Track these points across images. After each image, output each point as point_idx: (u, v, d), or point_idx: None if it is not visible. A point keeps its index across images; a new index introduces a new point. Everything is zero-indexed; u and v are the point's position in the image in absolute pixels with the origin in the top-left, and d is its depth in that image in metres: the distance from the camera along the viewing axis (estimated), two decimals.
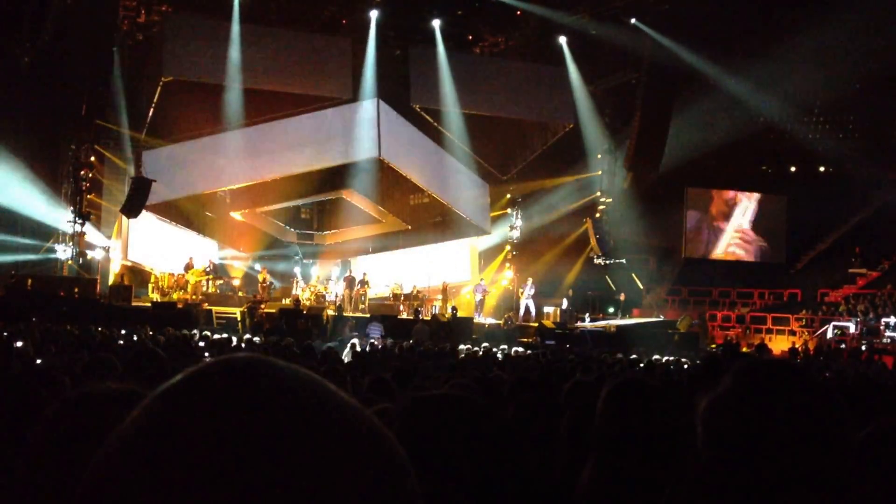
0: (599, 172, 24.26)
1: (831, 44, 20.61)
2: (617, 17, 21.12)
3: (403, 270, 23.04)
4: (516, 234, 24.16)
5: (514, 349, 14.68)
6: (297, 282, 21.58)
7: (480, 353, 12.75)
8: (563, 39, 22.51)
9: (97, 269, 20.25)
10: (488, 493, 1.16)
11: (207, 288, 20.76)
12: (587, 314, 22.82)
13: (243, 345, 11.92)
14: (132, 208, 19.03)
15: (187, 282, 20.19)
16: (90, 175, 20.27)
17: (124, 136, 20.74)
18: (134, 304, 18.97)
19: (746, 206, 27.16)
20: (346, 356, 11.24)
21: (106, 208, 21.02)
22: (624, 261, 23.69)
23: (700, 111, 23.08)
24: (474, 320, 20.86)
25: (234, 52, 19.96)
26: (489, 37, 23.46)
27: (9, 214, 18.46)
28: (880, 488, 1.51)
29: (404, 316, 20.65)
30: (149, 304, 18.83)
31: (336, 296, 21.30)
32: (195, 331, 13.74)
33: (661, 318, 23.24)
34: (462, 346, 14.03)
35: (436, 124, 22.47)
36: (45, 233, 19.60)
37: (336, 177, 21.81)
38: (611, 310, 23.48)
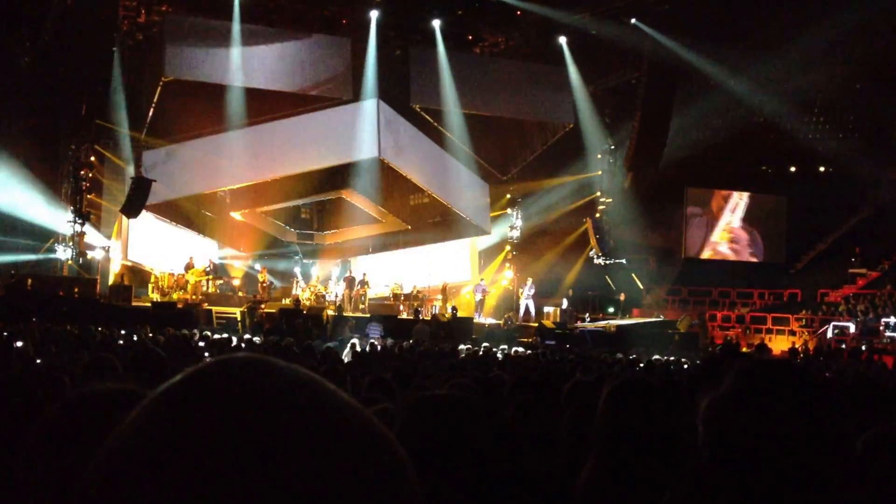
0: (599, 172, 24.25)
1: (831, 43, 20.60)
2: (617, 17, 21.11)
3: (403, 270, 23.05)
4: (516, 234, 24.16)
5: (513, 349, 14.68)
6: (297, 282, 21.59)
7: (480, 352, 12.75)
8: (563, 39, 22.51)
9: (97, 269, 20.25)
10: (489, 492, 1.16)
11: (207, 288, 20.77)
12: (587, 314, 22.82)
13: (243, 345, 11.91)
14: (132, 208, 19.04)
15: (187, 282, 20.19)
16: (90, 175, 20.28)
17: (124, 136, 20.73)
18: (134, 304, 18.97)
19: (737, 202, 27.12)
20: (345, 356, 11.24)
21: (106, 208, 21.01)
22: (624, 261, 23.69)
23: (700, 111, 23.10)
24: (474, 320, 20.87)
25: (234, 52, 19.97)
26: (489, 37, 23.46)
27: (9, 214, 18.46)
28: (881, 489, 1.51)
29: (404, 316, 20.65)
30: (149, 304, 18.83)
31: (336, 296, 21.31)
32: (195, 331, 13.73)
33: (661, 318, 23.24)
34: (462, 346, 14.03)
35: (436, 124, 22.47)
36: (45, 234, 19.59)
37: (336, 177, 21.81)
38: (611, 310, 23.50)
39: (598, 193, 24.37)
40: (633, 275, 23.92)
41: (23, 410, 1.77)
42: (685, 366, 11.49)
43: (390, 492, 0.58)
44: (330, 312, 19.35)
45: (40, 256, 19.67)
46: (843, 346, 20.99)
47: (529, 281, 22.64)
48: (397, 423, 1.20)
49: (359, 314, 20.25)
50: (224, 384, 0.57)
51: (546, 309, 22.47)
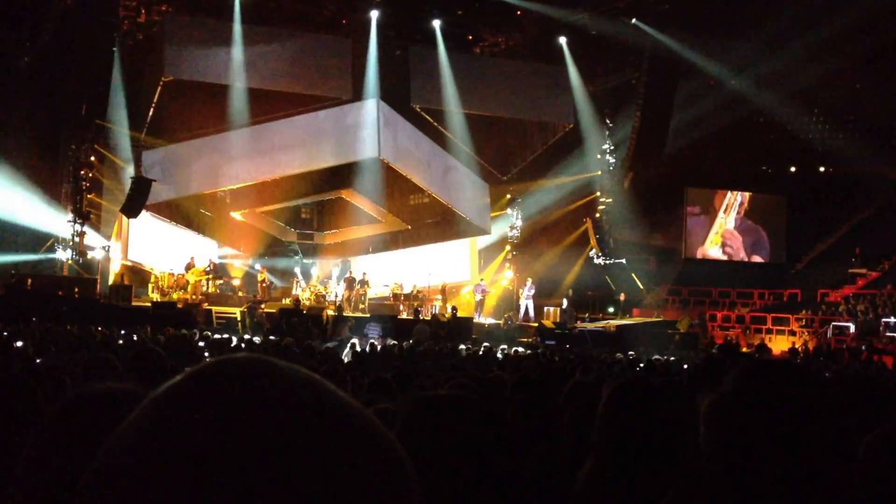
0: (599, 172, 24.25)
1: (831, 43, 20.61)
2: (617, 17, 21.12)
3: (403, 270, 23.05)
4: (516, 233, 24.16)
5: (513, 349, 14.68)
6: (297, 282, 21.60)
7: (481, 352, 12.75)
8: (563, 39, 22.52)
9: (97, 269, 20.25)
10: (489, 492, 1.16)
11: (207, 288, 20.76)
12: (587, 314, 22.82)
13: (243, 345, 11.92)
14: (132, 208, 19.04)
15: (187, 282, 20.20)
16: (90, 175, 20.29)
17: (124, 136, 20.73)
18: (134, 304, 18.96)
19: (731, 203, 27.05)
20: (345, 356, 11.24)
21: (106, 208, 21.01)
22: (624, 261, 23.70)
23: (700, 111, 23.09)
24: (474, 320, 20.88)
25: (235, 52, 19.98)
26: (489, 37, 23.47)
27: (8, 213, 18.45)
28: (883, 490, 1.51)
29: (404, 316, 20.66)
30: (149, 304, 18.83)
31: (336, 296, 21.31)
32: (195, 331, 13.73)
33: (661, 318, 23.24)
34: (462, 346, 14.04)
35: (436, 124, 22.48)
36: (45, 234, 19.59)
37: (336, 177, 21.80)
38: (611, 310, 23.49)
39: (598, 193, 24.37)
40: (633, 275, 23.93)
41: (23, 410, 1.77)
42: (685, 366, 11.49)
43: (391, 492, 0.58)
44: (330, 312, 19.36)
45: (40, 256, 19.67)
46: (844, 346, 20.98)
47: (529, 281, 22.65)
48: (397, 424, 1.20)
49: (359, 314, 20.26)
50: (224, 384, 0.57)
51: (546, 309, 22.48)
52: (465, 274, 24.29)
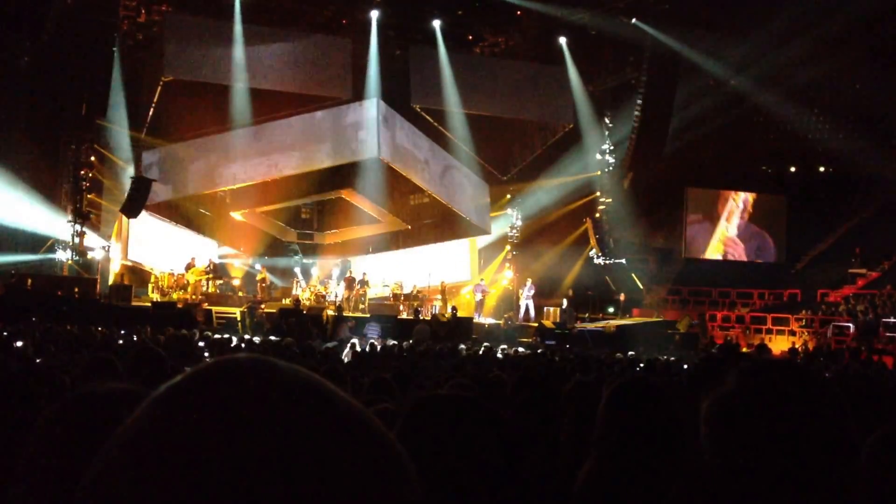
0: (599, 172, 24.26)
1: (832, 42, 20.61)
2: (617, 17, 21.12)
3: (403, 270, 23.05)
4: (516, 233, 24.16)
5: (514, 349, 14.69)
6: (297, 282, 21.60)
7: (481, 352, 12.76)
8: (563, 39, 22.52)
9: (97, 269, 20.25)
10: (489, 492, 1.16)
11: (207, 288, 20.76)
12: (587, 314, 22.82)
13: (243, 345, 11.92)
14: (132, 208, 19.04)
15: (187, 282, 20.20)
16: (90, 175, 20.30)
17: (124, 136, 20.74)
18: (134, 304, 18.96)
19: (732, 209, 27.02)
20: (345, 356, 11.25)
21: (106, 208, 21.02)
22: (624, 261, 23.69)
23: (700, 111, 23.09)
24: (474, 320, 20.88)
25: (235, 52, 19.98)
26: (489, 37, 23.47)
27: (8, 214, 18.45)
28: (882, 490, 1.51)
29: (404, 316, 20.66)
30: (149, 304, 18.83)
31: (336, 296, 21.31)
32: (195, 331, 13.73)
33: (661, 318, 23.24)
34: (462, 346, 14.04)
35: (436, 124, 22.48)
36: (45, 235, 19.60)
37: (336, 177, 21.80)
38: (611, 310, 23.49)
39: (598, 193, 24.38)
40: (633, 275, 23.93)
41: (23, 410, 1.77)
42: (685, 366, 11.49)
43: (391, 492, 0.58)
44: (330, 312, 19.35)
45: (40, 256, 19.68)
46: (844, 346, 20.97)
47: (529, 281, 22.66)
48: (398, 424, 1.20)
49: (358, 314, 20.26)
50: (225, 385, 0.57)
51: (546, 309, 22.48)
52: (465, 274, 24.29)
